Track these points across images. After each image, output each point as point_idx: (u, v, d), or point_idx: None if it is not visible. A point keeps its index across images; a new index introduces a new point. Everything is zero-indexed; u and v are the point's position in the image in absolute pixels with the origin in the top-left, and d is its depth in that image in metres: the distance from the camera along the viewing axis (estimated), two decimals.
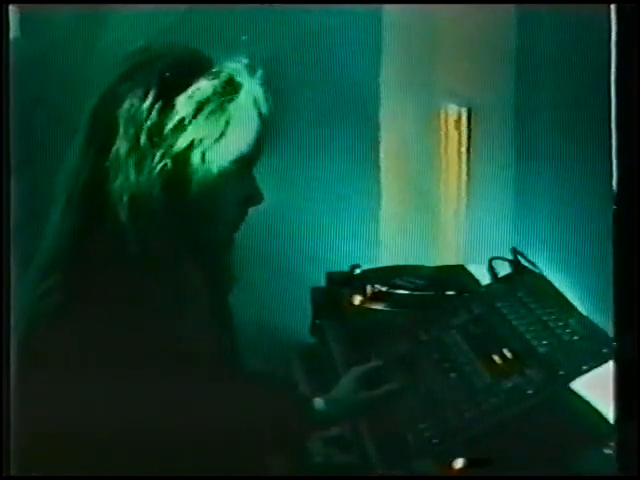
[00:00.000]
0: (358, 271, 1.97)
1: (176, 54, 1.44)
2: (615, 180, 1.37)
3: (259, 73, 1.45)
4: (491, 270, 1.89)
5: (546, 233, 1.87)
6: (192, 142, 1.39)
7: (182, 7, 1.70)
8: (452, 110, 2.09)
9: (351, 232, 1.99)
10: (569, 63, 1.73)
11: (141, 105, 1.38)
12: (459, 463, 1.42)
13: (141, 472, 1.35)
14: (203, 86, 1.40)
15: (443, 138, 2.11)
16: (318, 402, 1.54)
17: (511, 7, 1.90)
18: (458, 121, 2.08)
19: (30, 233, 1.44)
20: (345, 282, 1.95)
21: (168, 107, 1.39)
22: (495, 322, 1.70)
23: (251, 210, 1.49)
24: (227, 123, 1.41)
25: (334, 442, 1.57)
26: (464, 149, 2.08)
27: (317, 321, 1.89)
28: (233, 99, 1.42)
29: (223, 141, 1.41)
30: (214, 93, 1.41)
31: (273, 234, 1.85)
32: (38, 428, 1.35)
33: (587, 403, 1.48)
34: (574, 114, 1.72)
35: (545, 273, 1.80)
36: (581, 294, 1.70)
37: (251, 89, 1.44)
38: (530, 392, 1.49)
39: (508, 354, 1.58)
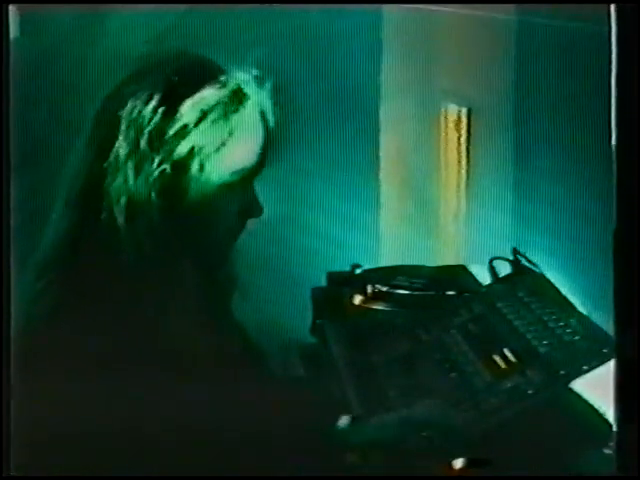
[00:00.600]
0: (359, 271, 1.97)
1: (185, 60, 1.43)
2: (615, 180, 1.37)
3: (268, 85, 1.45)
4: (492, 270, 1.89)
5: (546, 233, 1.87)
6: (192, 149, 1.39)
7: (182, 7, 1.70)
8: (452, 110, 2.09)
9: (351, 232, 1.99)
10: (569, 63, 1.73)
11: (144, 108, 1.38)
12: (459, 463, 1.42)
13: (141, 472, 1.35)
14: (209, 94, 1.40)
15: (443, 138, 2.11)
16: (344, 420, 1.46)
17: (511, 7, 1.90)
18: (458, 121, 2.08)
19: (30, 233, 1.44)
20: (346, 282, 1.95)
21: (171, 112, 1.38)
22: (495, 322, 1.70)
23: None
24: (230, 133, 1.41)
25: None
26: (464, 149, 2.08)
27: (318, 321, 1.89)
28: (238, 110, 1.42)
29: (224, 151, 1.41)
30: (219, 102, 1.40)
31: (273, 234, 1.85)
32: (37, 428, 1.35)
33: (587, 403, 1.48)
34: (574, 114, 1.72)
35: (545, 273, 1.80)
36: (581, 294, 1.70)
37: (259, 101, 1.44)
38: (530, 392, 1.49)
39: (508, 354, 1.58)
